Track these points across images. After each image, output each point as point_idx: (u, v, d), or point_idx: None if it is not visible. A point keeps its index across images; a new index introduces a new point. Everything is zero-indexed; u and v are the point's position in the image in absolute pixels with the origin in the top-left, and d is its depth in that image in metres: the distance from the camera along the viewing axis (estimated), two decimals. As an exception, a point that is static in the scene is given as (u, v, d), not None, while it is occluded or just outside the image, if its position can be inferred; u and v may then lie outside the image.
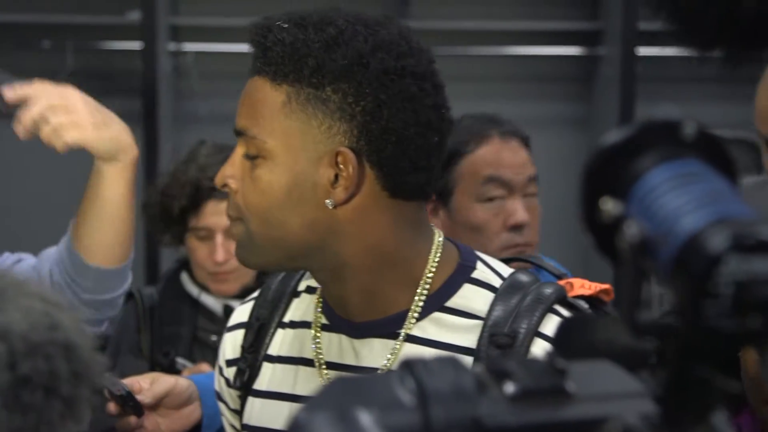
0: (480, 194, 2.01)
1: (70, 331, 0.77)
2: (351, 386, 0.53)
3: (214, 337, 2.28)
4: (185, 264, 2.43)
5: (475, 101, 3.86)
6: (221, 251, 2.27)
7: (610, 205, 0.55)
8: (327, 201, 1.16)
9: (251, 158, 1.18)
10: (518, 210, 2.00)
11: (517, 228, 2.00)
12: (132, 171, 1.70)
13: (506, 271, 1.25)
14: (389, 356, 1.21)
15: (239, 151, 1.20)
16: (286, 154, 1.16)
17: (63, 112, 1.63)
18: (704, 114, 3.18)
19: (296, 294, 1.34)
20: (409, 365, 0.54)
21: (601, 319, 0.63)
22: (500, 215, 2.00)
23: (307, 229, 1.17)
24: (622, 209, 0.55)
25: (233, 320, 1.40)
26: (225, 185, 1.21)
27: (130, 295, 2.30)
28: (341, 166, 1.15)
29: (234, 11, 4.01)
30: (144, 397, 1.44)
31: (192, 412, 1.47)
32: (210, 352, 2.27)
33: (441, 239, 1.25)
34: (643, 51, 3.82)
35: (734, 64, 0.76)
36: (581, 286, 1.26)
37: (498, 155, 2.02)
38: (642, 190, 0.54)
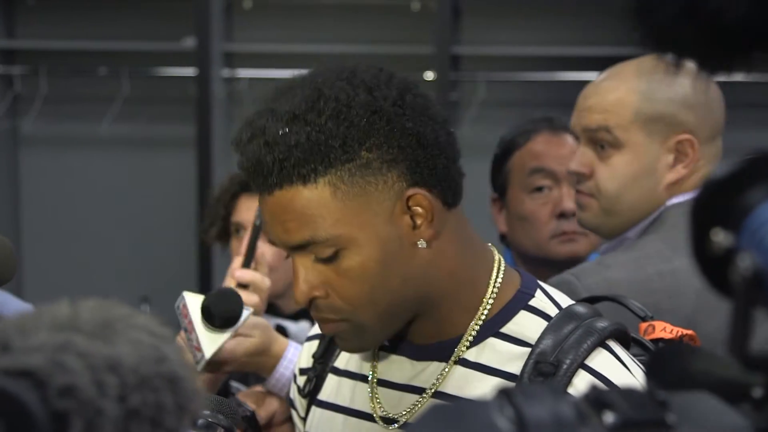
0: (527, 185, 2.10)
1: (175, 364, 0.78)
2: (449, 413, 0.53)
3: None
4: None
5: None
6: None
7: (721, 237, 0.54)
8: (418, 244, 1.17)
9: (327, 259, 1.16)
10: (564, 197, 2.06)
11: (564, 216, 2.07)
12: None
13: (565, 302, 1.24)
14: (438, 377, 1.22)
15: (303, 263, 1.18)
16: (363, 231, 1.15)
17: None
18: None
19: None
20: (507, 393, 0.53)
21: (697, 350, 0.61)
22: (548, 204, 2.09)
23: (406, 284, 1.18)
24: (733, 241, 0.54)
25: (313, 330, 1.43)
26: (313, 298, 1.19)
27: None
28: (415, 208, 1.16)
29: (287, 38, 4.05)
30: (260, 418, 1.48)
31: (291, 429, 1.50)
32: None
33: (502, 261, 1.26)
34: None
35: (714, 70, 0.73)
36: (663, 329, 1.26)
37: (543, 147, 2.11)
38: (755, 223, 0.53)
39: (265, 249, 1.99)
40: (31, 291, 3.97)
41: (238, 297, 1.52)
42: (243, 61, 4.06)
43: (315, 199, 1.14)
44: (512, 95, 4.01)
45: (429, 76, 3.89)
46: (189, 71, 3.91)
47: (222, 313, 1.51)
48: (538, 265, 2.17)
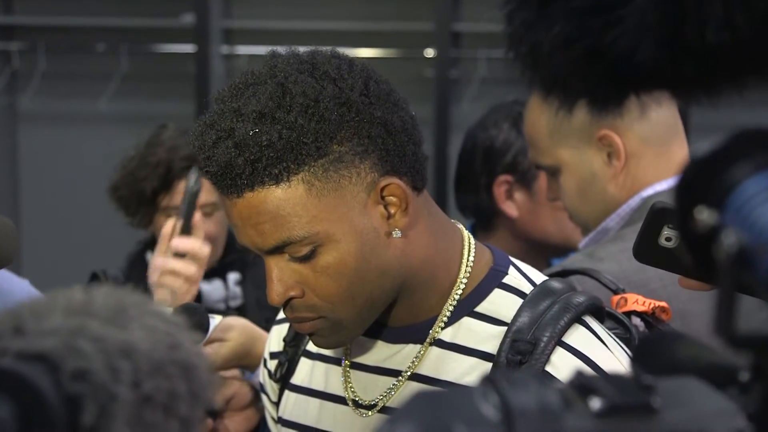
0: None
1: (189, 352, 0.77)
2: (434, 400, 0.52)
3: None
4: (149, 245, 2.46)
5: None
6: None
7: (705, 215, 0.54)
8: (393, 233, 1.15)
9: (303, 257, 1.14)
10: None
11: None
12: None
13: (539, 278, 1.24)
14: (414, 359, 1.22)
15: (277, 263, 1.16)
16: (340, 226, 1.13)
17: None
18: None
19: None
20: (492, 380, 0.53)
21: (683, 336, 0.61)
22: None
23: (383, 276, 1.16)
24: (717, 219, 0.53)
25: (281, 314, 1.39)
26: (290, 298, 1.16)
27: (94, 276, 2.30)
28: (389, 198, 1.15)
29: (286, 14, 4.03)
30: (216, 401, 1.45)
31: (254, 414, 1.47)
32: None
33: (471, 239, 1.25)
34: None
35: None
36: (635, 302, 1.26)
37: None
38: (739, 200, 0.53)
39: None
40: (29, 268, 3.97)
41: (203, 311, 1.44)
42: (242, 37, 4.05)
43: (289, 199, 1.11)
44: (513, 73, 3.99)
45: (429, 53, 3.87)
46: (188, 48, 3.90)
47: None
48: (551, 253, 2.18)
